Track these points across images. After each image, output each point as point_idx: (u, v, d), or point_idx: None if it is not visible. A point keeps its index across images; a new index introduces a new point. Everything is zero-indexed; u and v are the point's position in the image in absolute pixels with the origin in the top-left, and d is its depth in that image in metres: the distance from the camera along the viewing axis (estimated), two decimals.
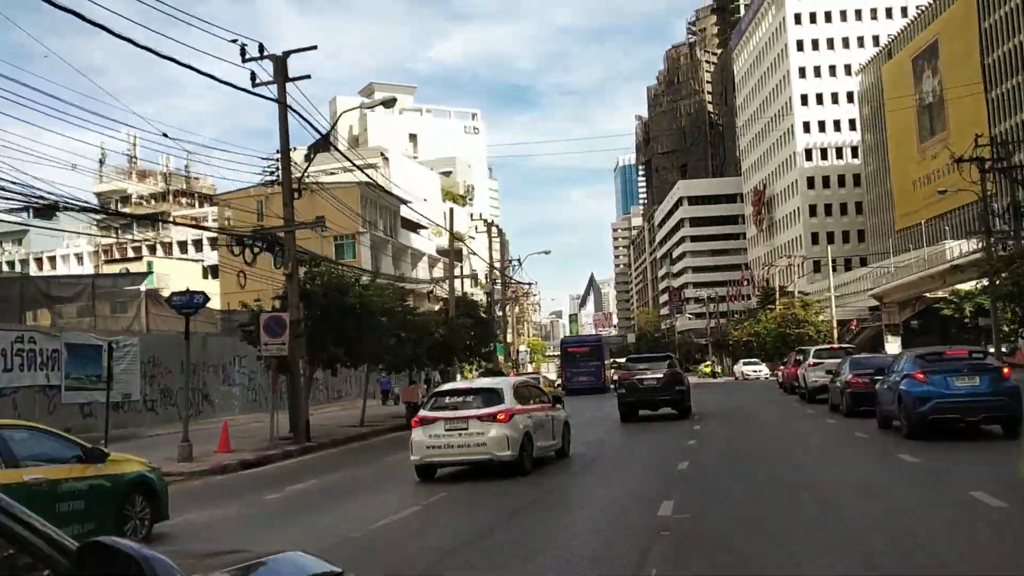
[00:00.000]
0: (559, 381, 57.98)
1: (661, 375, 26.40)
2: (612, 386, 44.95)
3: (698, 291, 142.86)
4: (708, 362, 76.81)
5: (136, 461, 11.05)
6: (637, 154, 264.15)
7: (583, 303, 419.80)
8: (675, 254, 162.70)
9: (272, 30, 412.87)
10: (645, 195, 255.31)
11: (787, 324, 74.49)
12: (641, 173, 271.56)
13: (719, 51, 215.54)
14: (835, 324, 72.49)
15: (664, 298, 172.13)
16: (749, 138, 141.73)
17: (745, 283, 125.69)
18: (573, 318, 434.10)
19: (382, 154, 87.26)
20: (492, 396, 14.83)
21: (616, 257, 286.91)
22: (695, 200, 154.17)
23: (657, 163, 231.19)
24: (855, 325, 77.27)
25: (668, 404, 26.59)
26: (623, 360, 40.78)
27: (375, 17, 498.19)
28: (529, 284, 78.26)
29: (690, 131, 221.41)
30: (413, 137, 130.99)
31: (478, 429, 14.23)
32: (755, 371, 67.71)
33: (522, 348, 76.97)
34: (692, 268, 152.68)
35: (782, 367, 43.66)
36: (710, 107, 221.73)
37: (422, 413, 14.98)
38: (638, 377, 26.59)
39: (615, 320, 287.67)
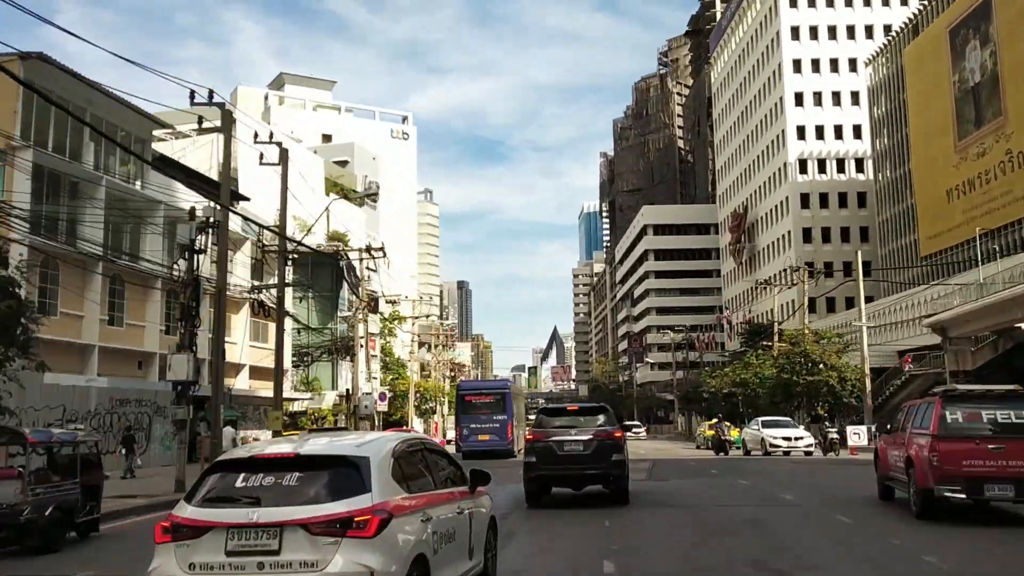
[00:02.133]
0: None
1: (589, 437, 16.85)
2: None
3: (663, 336, 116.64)
4: (713, 419, 48.10)
5: None
6: (601, 194, 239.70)
7: (545, 357, 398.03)
8: (637, 293, 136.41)
9: (249, 79, 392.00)
10: (609, 238, 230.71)
11: (794, 368, 47.93)
12: (605, 215, 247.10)
13: (692, 80, 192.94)
14: (867, 369, 46.24)
15: (625, 345, 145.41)
16: (727, 155, 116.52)
17: (723, 326, 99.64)
18: (532, 371, 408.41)
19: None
20: (340, 476, 6.55)
21: (576, 306, 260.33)
22: (661, 229, 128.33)
23: (622, 202, 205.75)
24: (908, 362, 50.77)
25: (598, 481, 17.28)
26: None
27: (355, 72, 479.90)
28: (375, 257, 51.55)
29: (658, 167, 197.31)
30: (328, 138, 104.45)
31: (302, 555, 6.12)
32: (791, 440, 38.53)
33: (367, 387, 50.15)
34: (656, 309, 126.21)
35: (883, 439, 16.54)
36: (680, 142, 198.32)
37: (181, 515, 6.43)
38: (556, 439, 16.95)
39: (573, 373, 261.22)
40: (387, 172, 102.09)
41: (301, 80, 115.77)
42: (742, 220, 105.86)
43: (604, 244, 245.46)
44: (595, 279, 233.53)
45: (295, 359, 57.19)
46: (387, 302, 69.56)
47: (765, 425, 39.59)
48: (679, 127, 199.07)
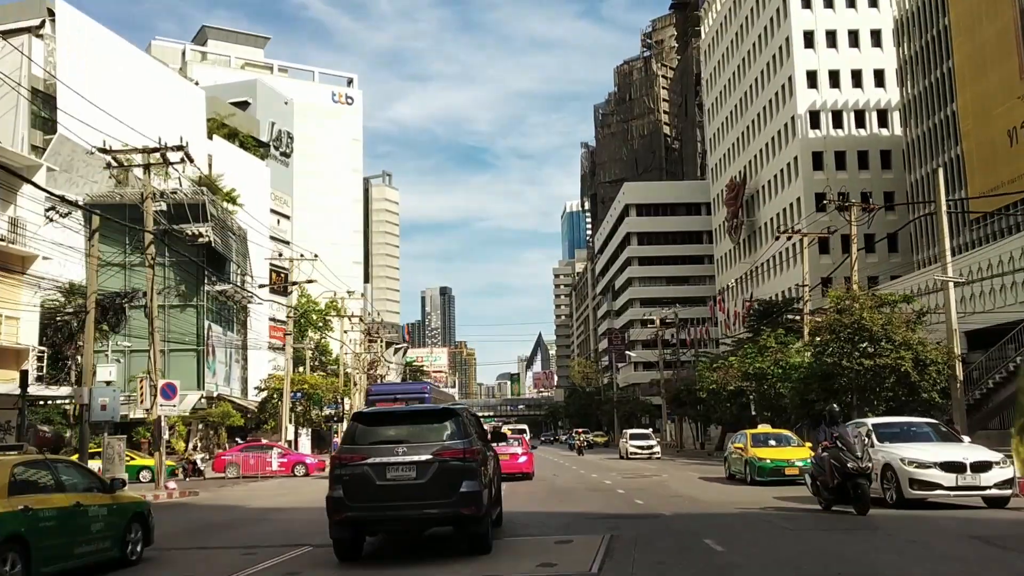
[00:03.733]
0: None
1: (428, 457, 10.94)
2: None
3: (647, 332, 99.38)
4: (762, 424, 30.90)
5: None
6: (583, 188, 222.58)
7: (529, 364, 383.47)
8: (618, 284, 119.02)
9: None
10: (590, 234, 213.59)
11: (842, 349, 30.32)
12: (587, 210, 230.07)
13: (678, 60, 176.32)
14: (957, 347, 29.06)
15: (604, 343, 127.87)
16: (719, 121, 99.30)
17: (717, 317, 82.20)
18: (515, 378, 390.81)
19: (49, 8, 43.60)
20: None
21: (558, 307, 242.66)
22: (645, 210, 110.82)
23: (604, 194, 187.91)
24: None
25: (441, 523, 11.42)
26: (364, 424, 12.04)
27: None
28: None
29: (643, 155, 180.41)
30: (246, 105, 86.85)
31: None
32: (972, 470, 15.46)
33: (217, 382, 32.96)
34: (640, 300, 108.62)
35: None
36: (666, 128, 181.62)
37: None
38: (376, 461, 10.96)
39: (556, 379, 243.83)
40: (319, 133, 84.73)
41: (227, 35, 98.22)
42: (739, 191, 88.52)
43: (587, 242, 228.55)
44: (576, 278, 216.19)
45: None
46: (292, 284, 51.87)
47: (888, 436, 17.03)
48: (664, 112, 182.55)
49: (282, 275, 65.80)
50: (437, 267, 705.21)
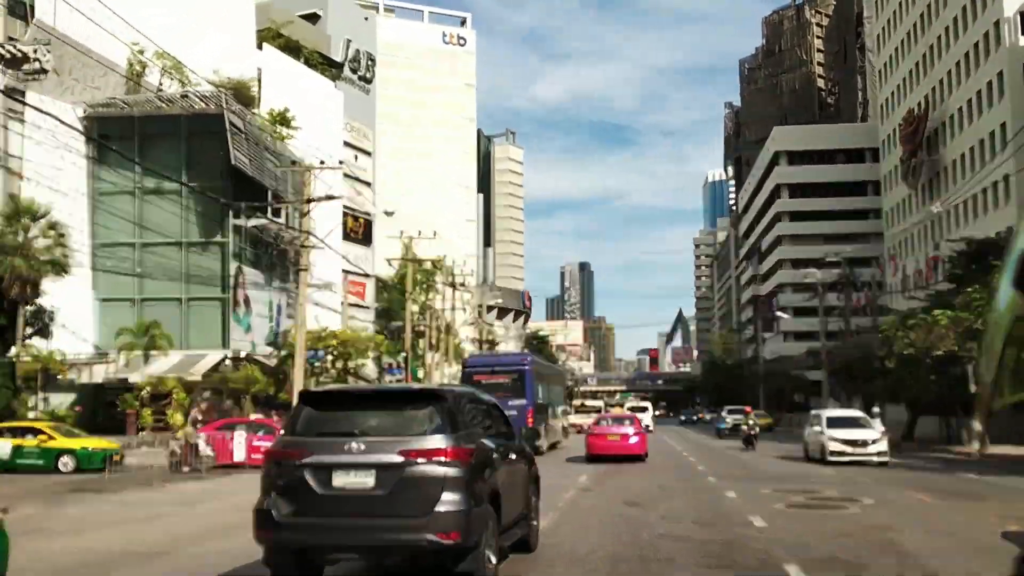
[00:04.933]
0: None
1: (392, 457, 7.55)
2: (558, 440, 34.09)
3: (799, 298, 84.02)
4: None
5: None
6: (726, 151, 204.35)
7: (669, 339, 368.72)
8: (765, 244, 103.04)
9: None
10: (733, 200, 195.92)
11: None
12: (730, 176, 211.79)
13: (834, 4, 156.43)
14: None
15: (748, 313, 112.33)
16: (891, 50, 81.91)
17: (889, 278, 66.52)
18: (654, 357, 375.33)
19: None
20: None
21: (698, 279, 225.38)
22: (799, 158, 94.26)
23: (749, 155, 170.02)
24: None
25: (407, 550, 7.78)
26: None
27: (481, 60, 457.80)
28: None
29: (793, 111, 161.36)
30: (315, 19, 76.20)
31: None
32: None
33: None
34: (792, 262, 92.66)
35: None
36: (821, 80, 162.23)
37: None
38: (323, 461, 7.60)
39: (695, 354, 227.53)
40: (427, 77, 73.61)
41: None
42: (919, 125, 71.48)
43: (729, 208, 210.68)
44: (718, 248, 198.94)
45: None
46: (308, 201, 40.76)
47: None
48: (819, 63, 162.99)
49: (360, 220, 55.04)
50: (576, 244, 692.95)
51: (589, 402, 76.81)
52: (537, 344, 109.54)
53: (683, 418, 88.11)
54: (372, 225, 55.28)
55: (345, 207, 51.73)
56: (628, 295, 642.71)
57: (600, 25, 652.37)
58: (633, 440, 25.75)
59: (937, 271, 62.03)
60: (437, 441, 7.48)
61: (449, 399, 8.00)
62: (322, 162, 28.33)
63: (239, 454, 22.02)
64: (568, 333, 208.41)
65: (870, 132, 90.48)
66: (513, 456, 9.31)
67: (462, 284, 48.84)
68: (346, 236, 52.20)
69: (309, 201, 27.48)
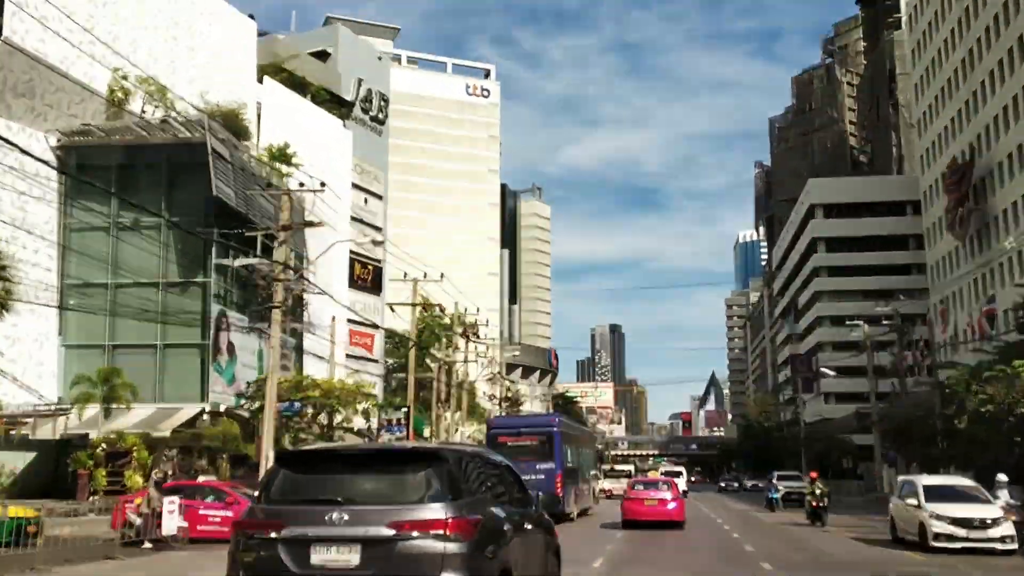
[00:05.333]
0: None
1: (381, 531, 6.61)
2: (589, 506, 33.19)
3: (840, 357, 78.91)
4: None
5: None
6: (756, 211, 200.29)
7: (703, 403, 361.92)
8: (802, 302, 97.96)
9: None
10: (766, 261, 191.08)
11: None
12: (761, 237, 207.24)
13: (864, 63, 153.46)
14: None
15: (785, 374, 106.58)
16: (929, 99, 77.94)
17: (943, 331, 61.41)
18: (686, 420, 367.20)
19: None
20: None
21: (731, 340, 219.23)
22: (835, 210, 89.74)
23: (780, 215, 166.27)
24: None
25: None
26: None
27: (509, 125, 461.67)
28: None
29: (825, 169, 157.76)
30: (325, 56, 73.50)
31: None
32: None
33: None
34: (830, 319, 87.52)
35: None
36: (852, 139, 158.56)
37: None
38: (299, 535, 6.64)
39: (729, 418, 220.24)
40: (450, 127, 70.77)
41: (353, 26, 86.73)
42: (966, 173, 67.01)
43: (762, 268, 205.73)
44: (751, 308, 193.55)
45: None
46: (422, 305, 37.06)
47: None
48: (851, 122, 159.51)
49: (369, 267, 51.34)
50: (607, 307, 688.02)
51: (619, 466, 72.33)
52: (564, 405, 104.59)
53: (722, 484, 77.16)
54: (382, 272, 51.60)
55: (352, 252, 48.16)
56: (660, 358, 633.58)
57: (632, 93, 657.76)
58: (671, 506, 24.48)
59: (994, 324, 56.96)
60: (435, 511, 6.55)
61: (450, 459, 7.02)
62: (301, 184, 24.60)
63: (169, 525, 17.74)
64: (598, 396, 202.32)
65: (910, 184, 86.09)
66: (529, 526, 8.19)
67: (475, 334, 44.55)
68: (353, 283, 48.45)
69: (284, 229, 23.69)
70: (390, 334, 48.18)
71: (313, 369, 41.64)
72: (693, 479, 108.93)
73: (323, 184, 23.43)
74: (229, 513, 20.06)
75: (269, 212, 34.95)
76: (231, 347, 33.26)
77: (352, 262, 48.37)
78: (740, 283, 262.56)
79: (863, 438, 66.33)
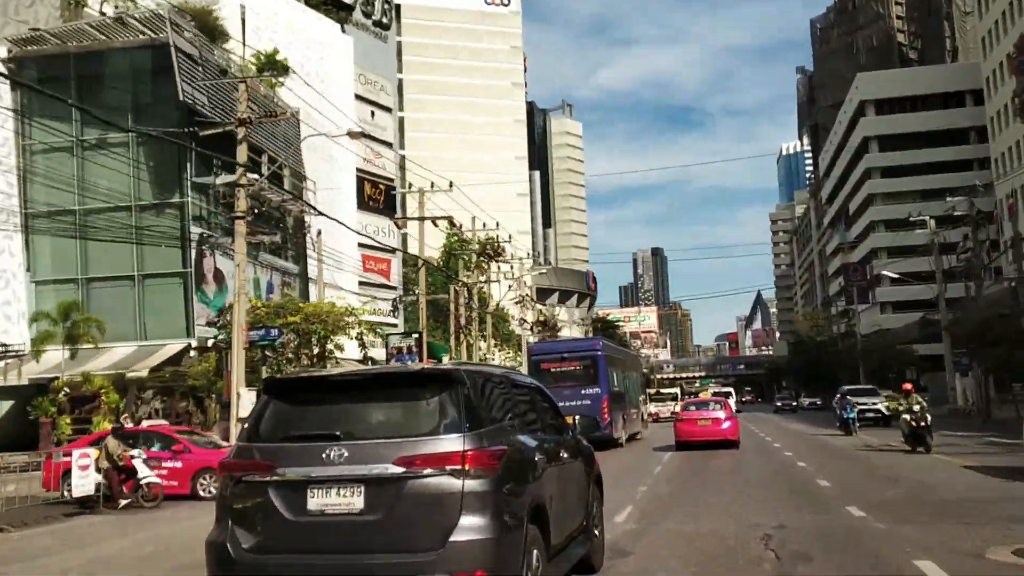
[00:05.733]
0: None
1: (387, 469, 5.68)
2: (638, 431, 32.57)
3: (900, 266, 73.84)
4: None
5: None
6: (800, 120, 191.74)
7: (749, 323, 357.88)
8: (853, 207, 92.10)
9: None
10: (811, 172, 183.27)
11: None
12: (806, 147, 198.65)
13: None
14: None
15: (836, 286, 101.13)
16: None
17: (1007, 228, 55.86)
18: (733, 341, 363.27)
19: None
20: None
21: (776, 256, 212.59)
22: (887, 105, 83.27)
23: (825, 121, 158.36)
24: None
25: None
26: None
27: (543, 48, 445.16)
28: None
29: (873, 70, 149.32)
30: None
31: None
32: None
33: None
34: (884, 223, 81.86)
35: None
36: (900, 35, 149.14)
37: None
38: (294, 476, 5.74)
39: (777, 336, 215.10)
40: (469, 40, 65.78)
41: None
42: None
43: (807, 179, 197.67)
44: (797, 222, 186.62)
45: None
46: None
47: None
48: (898, 16, 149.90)
49: (380, 187, 47.31)
50: (648, 231, 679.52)
51: (665, 389, 69.10)
52: (605, 329, 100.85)
53: (779, 404, 67.26)
54: (395, 192, 47.61)
55: (361, 171, 44.05)
56: (704, 280, 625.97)
57: (665, 9, 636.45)
58: (726, 425, 24.23)
59: None
60: (450, 442, 5.61)
61: (467, 382, 5.97)
62: (273, 71, 20.34)
63: (85, 483, 14.20)
64: (642, 320, 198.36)
65: (969, 72, 79.22)
66: (565, 455, 7.32)
67: (497, 252, 40.47)
68: (363, 204, 44.51)
69: (243, 123, 19.73)
70: (413, 260, 44.42)
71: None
72: (745, 399, 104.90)
73: (288, 69, 19.21)
74: (177, 464, 16.55)
75: (288, 135, 31.06)
76: (219, 275, 29.63)
77: (360, 182, 44.26)
78: (785, 197, 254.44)
79: (927, 348, 61.62)
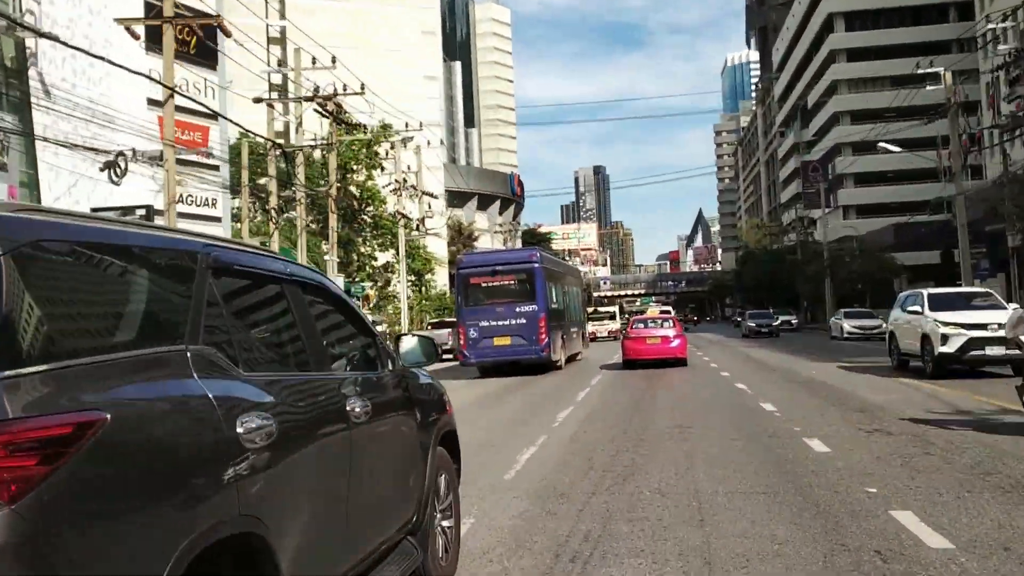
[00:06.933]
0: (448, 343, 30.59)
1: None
2: (578, 351, 30.77)
3: (867, 162, 63.66)
4: None
5: None
6: (748, 24, 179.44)
7: (690, 242, 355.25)
8: (812, 100, 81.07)
9: None
10: (758, 79, 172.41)
11: None
12: (753, 54, 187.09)
13: None
14: None
15: (790, 192, 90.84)
16: None
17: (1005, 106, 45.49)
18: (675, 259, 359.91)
19: None
20: None
21: (720, 170, 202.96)
22: (859, 19, 72.15)
23: (775, 21, 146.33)
24: None
25: None
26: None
27: None
28: None
29: None
30: None
31: None
32: None
33: None
34: (851, 114, 71.11)
35: None
36: None
37: None
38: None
39: (719, 253, 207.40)
40: None
41: None
42: None
43: (752, 89, 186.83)
44: (742, 133, 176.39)
45: None
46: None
47: None
48: None
49: (194, 25, 34.16)
50: (590, 150, 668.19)
51: (603, 308, 64.72)
52: (537, 243, 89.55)
53: (752, 324, 46.81)
54: (217, 36, 34.88)
55: None
56: (646, 200, 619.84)
57: None
58: (675, 343, 23.86)
59: None
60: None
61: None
62: None
63: None
64: (581, 237, 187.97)
65: None
66: (359, 409, 3.86)
67: (340, 109, 28.26)
68: (163, 48, 31.67)
69: None
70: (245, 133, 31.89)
71: (82, 181, 26.16)
72: (694, 318, 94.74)
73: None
74: None
75: None
76: None
77: (150, 7, 31.35)
78: (730, 110, 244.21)
79: (909, 256, 51.47)
